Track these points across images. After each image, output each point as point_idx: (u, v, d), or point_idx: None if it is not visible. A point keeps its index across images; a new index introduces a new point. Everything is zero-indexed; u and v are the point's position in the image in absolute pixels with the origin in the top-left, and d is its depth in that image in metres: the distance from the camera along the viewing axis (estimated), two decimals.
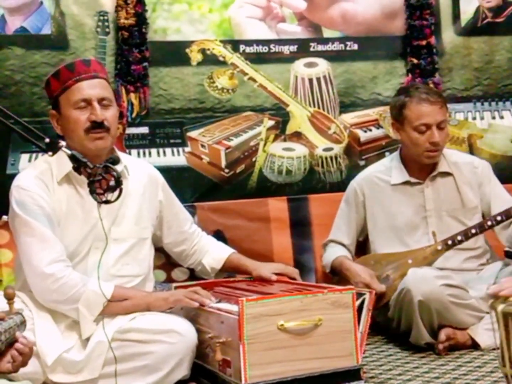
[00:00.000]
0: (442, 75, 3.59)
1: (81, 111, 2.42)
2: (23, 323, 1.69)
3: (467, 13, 3.64)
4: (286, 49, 3.45)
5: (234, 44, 3.38)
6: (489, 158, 3.49)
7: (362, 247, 3.16)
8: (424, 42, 3.52)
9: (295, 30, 3.48)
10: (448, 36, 3.62)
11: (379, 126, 3.56)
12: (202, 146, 3.36)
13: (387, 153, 3.46)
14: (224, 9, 3.39)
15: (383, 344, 2.92)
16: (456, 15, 3.63)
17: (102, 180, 2.14)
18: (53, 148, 2.12)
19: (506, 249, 3.00)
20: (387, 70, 3.57)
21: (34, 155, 3.10)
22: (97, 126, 2.41)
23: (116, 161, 2.37)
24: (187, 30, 3.35)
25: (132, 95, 3.22)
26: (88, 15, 3.19)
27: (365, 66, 3.54)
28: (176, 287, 2.68)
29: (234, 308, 2.25)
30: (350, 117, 3.53)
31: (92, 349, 2.30)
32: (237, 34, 3.41)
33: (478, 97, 3.67)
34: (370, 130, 3.56)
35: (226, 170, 3.39)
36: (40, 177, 2.43)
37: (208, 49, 3.35)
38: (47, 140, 2.11)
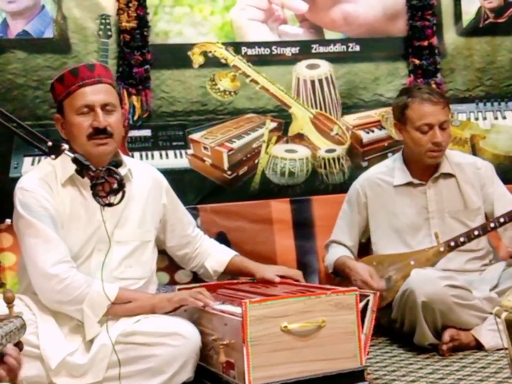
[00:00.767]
0: (444, 75, 3.59)
1: (84, 117, 2.43)
2: (23, 327, 1.69)
3: (468, 13, 3.64)
4: (288, 51, 3.45)
5: (236, 47, 3.38)
6: (492, 159, 3.49)
7: (364, 248, 3.16)
8: (426, 43, 3.52)
9: (297, 32, 3.48)
10: (450, 37, 3.62)
11: (381, 127, 3.56)
12: (205, 148, 3.36)
13: (389, 154, 3.45)
14: (226, 11, 3.39)
15: (386, 345, 2.91)
16: (457, 16, 3.63)
17: (105, 183, 2.14)
18: (56, 151, 2.12)
19: (509, 249, 3.01)
20: (389, 71, 3.57)
21: (37, 158, 3.10)
22: (99, 132, 2.41)
23: (119, 164, 2.36)
24: (188, 33, 3.35)
25: (134, 98, 3.23)
26: (90, 19, 3.19)
27: (367, 67, 3.54)
28: (179, 289, 2.68)
29: (237, 310, 2.25)
30: (352, 119, 3.53)
31: (96, 352, 2.30)
32: (239, 36, 3.41)
33: (480, 97, 3.66)
34: (373, 131, 3.56)
35: (229, 172, 3.39)
36: (44, 179, 2.43)
37: (210, 52, 3.35)
38: (49, 143, 2.11)
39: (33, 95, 3.14)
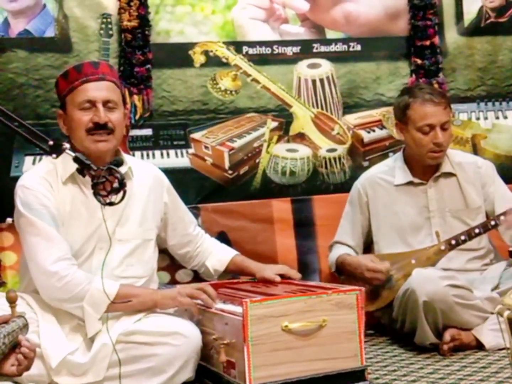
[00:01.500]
0: (446, 75, 3.59)
1: (85, 112, 2.43)
2: (25, 326, 1.69)
3: (470, 13, 3.64)
4: (289, 50, 3.45)
5: (237, 46, 3.38)
6: (493, 158, 3.49)
7: (367, 248, 3.15)
8: (428, 42, 3.52)
9: (298, 31, 3.48)
10: (451, 36, 3.62)
11: (382, 127, 3.56)
12: (206, 147, 3.36)
13: (390, 154, 3.45)
14: (227, 10, 3.39)
15: (387, 345, 2.91)
16: (459, 15, 3.63)
17: (105, 182, 2.14)
18: (57, 150, 2.12)
19: (511, 249, 3.00)
20: (390, 71, 3.57)
21: (38, 157, 3.10)
22: (99, 127, 2.41)
23: (120, 163, 2.37)
24: (190, 32, 3.35)
25: (136, 97, 3.23)
26: (91, 18, 3.19)
27: (368, 67, 3.54)
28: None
29: (238, 309, 2.24)
30: (353, 118, 3.53)
31: (96, 352, 2.30)
32: (240, 35, 3.41)
33: (481, 97, 3.66)
34: (374, 130, 3.56)
35: (230, 172, 3.39)
36: (45, 177, 2.43)
37: (211, 51, 3.35)
38: (50, 142, 2.11)
39: (34, 94, 3.14)
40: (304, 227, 3.35)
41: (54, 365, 2.27)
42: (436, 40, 3.54)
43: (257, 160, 3.42)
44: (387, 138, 3.55)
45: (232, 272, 2.84)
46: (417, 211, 3.02)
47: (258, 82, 3.41)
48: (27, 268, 2.43)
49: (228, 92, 3.38)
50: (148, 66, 3.23)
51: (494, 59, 3.66)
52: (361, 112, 3.54)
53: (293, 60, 3.46)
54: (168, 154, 3.33)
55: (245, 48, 3.39)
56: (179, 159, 3.33)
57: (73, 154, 2.15)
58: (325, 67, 3.49)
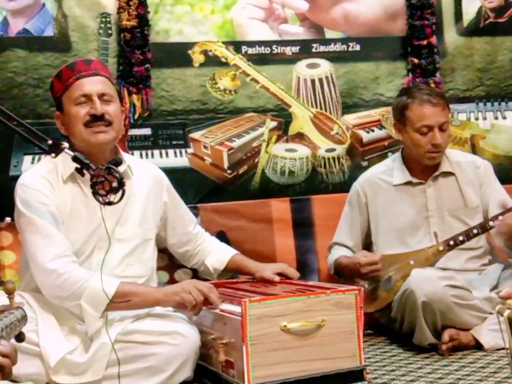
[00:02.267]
0: (444, 75, 3.59)
1: (81, 106, 2.44)
2: (24, 318, 1.68)
3: (469, 13, 3.64)
4: (288, 50, 3.45)
5: (236, 45, 3.38)
6: (492, 159, 3.49)
7: (365, 249, 3.15)
8: (425, 42, 3.52)
9: (297, 31, 3.48)
10: (450, 36, 3.62)
11: (381, 127, 3.56)
12: (205, 147, 3.36)
13: (389, 154, 3.45)
14: (226, 10, 3.39)
15: (386, 345, 2.91)
16: (458, 16, 3.63)
17: (104, 182, 2.14)
18: (56, 149, 2.12)
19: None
20: (389, 71, 3.57)
21: (37, 156, 3.10)
22: (97, 119, 2.41)
23: (119, 162, 2.36)
24: (189, 32, 3.35)
25: (135, 97, 3.23)
26: (90, 17, 3.19)
27: (368, 66, 3.54)
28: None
29: (237, 309, 2.25)
30: (352, 118, 3.53)
31: (95, 351, 2.30)
32: (239, 35, 3.41)
33: (480, 97, 3.66)
34: (373, 130, 3.56)
35: (229, 171, 3.39)
36: (45, 176, 2.44)
37: (210, 51, 3.35)
38: (49, 141, 2.11)
39: (33, 94, 3.14)
40: (303, 227, 3.35)
41: (53, 364, 2.27)
42: (433, 39, 3.53)
43: (256, 160, 3.42)
44: (386, 138, 3.55)
45: (231, 271, 2.84)
46: (416, 210, 3.02)
47: (257, 82, 3.41)
48: (26, 267, 2.44)
49: (227, 91, 3.38)
50: (147, 65, 3.23)
51: (493, 60, 3.67)
52: (360, 112, 3.54)
53: (292, 60, 3.46)
54: (167, 153, 3.33)
55: (244, 48, 3.39)
56: (178, 159, 3.33)
57: (72, 154, 2.15)
58: (324, 67, 3.49)
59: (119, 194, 2.13)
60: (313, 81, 3.48)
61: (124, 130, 3.15)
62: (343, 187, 3.39)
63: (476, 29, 3.64)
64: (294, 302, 2.26)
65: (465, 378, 2.40)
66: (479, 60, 3.65)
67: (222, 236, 3.13)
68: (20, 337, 1.62)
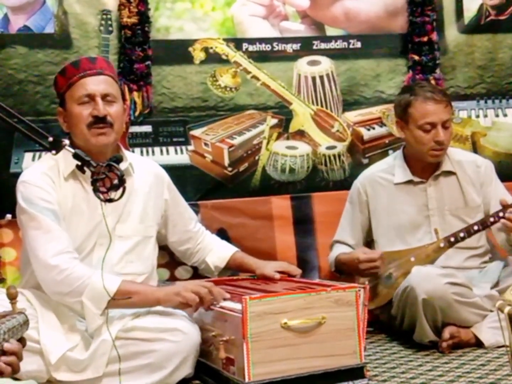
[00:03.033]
0: (445, 73, 3.58)
1: (84, 106, 2.43)
2: (26, 323, 1.69)
3: (470, 10, 3.64)
4: (289, 47, 3.45)
5: (237, 43, 3.38)
6: (493, 156, 3.49)
7: (366, 247, 3.15)
8: (425, 39, 3.51)
9: (298, 28, 3.48)
10: (451, 34, 3.61)
11: (382, 124, 3.56)
12: (205, 144, 3.36)
13: (390, 151, 3.45)
14: (227, 7, 3.39)
15: (386, 342, 2.91)
16: (459, 13, 3.62)
17: (105, 179, 2.14)
18: (56, 146, 2.12)
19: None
20: (390, 68, 3.56)
21: (37, 153, 3.10)
22: (99, 121, 2.41)
23: (120, 159, 2.36)
24: (190, 29, 3.34)
25: (135, 94, 3.23)
26: (91, 14, 3.19)
27: (368, 64, 3.54)
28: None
29: (237, 306, 2.25)
30: (353, 115, 3.53)
31: (96, 348, 2.30)
32: (240, 32, 3.41)
33: (481, 95, 3.66)
34: (373, 128, 3.56)
35: (229, 169, 3.39)
36: (46, 173, 2.44)
37: (211, 48, 3.35)
38: (50, 139, 2.11)
39: (34, 91, 3.13)
40: (303, 224, 3.35)
41: (54, 361, 2.27)
42: (434, 36, 3.53)
43: (256, 157, 3.42)
44: (387, 136, 3.55)
45: (232, 269, 2.84)
46: (417, 209, 3.02)
47: (258, 79, 3.41)
48: (27, 263, 2.44)
49: (228, 89, 3.38)
50: (148, 62, 3.23)
51: (494, 57, 3.66)
52: (361, 110, 3.54)
53: (293, 57, 3.45)
54: (167, 151, 3.33)
55: (245, 45, 3.39)
56: (178, 156, 3.33)
57: (73, 151, 2.15)
58: (325, 64, 3.49)
59: (120, 191, 2.13)
60: (313, 79, 3.48)
61: (125, 127, 3.15)
62: (344, 184, 3.40)
63: (477, 27, 3.64)
64: (295, 299, 2.26)
65: (466, 375, 2.40)
66: (480, 58, 3.64)
67: (222, 233, 3.13)
68: (21, 342, 1.62)
